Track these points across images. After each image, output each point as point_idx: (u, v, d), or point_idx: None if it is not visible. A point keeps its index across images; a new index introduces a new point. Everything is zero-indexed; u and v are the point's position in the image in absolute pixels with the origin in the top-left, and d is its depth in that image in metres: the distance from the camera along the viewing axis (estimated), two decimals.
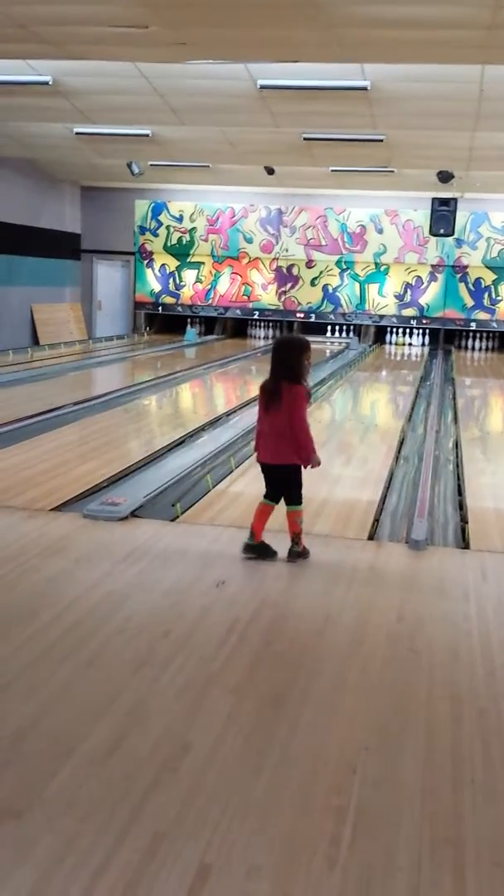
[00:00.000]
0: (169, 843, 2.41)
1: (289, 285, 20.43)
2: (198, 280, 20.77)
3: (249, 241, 20.41)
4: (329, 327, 20.50)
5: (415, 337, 20.20)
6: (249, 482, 6.80)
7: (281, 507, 4.96)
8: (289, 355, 4.86)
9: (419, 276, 19.71)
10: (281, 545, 4.95)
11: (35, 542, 5.11)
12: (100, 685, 3.36)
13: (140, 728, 3.04)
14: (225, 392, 13.77)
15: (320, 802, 2.64)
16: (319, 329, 20.51)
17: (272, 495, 4.96)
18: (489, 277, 19.37)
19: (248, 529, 4.99)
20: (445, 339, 19.85)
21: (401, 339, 20.27)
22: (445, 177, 14.87)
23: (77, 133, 13.66)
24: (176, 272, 20.83)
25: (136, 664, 3.54)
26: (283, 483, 4.91)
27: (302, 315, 20.50)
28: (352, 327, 20.39)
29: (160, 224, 20.70)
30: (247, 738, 3.00)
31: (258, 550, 4.92)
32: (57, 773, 2.72)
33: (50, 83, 10.15)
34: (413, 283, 19.77)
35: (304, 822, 2.54)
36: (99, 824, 2.48)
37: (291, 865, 2.34)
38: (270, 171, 15.93)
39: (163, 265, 20.84)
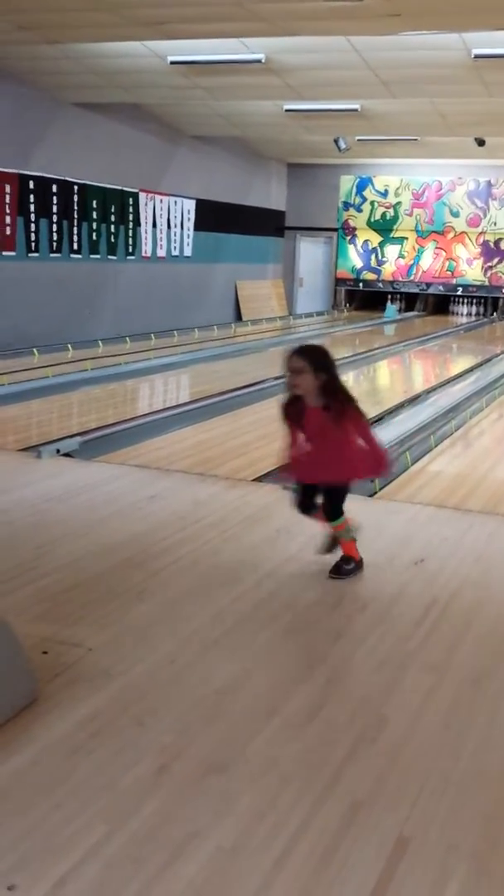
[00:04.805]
0: (367, 812, 2.43)
1: (496, 260, 19.80)
2: (400, 255, 20.49)
3: (456, 214, 19.91)
4: None
5: None
6: (449, 461, 6.69)
7: None
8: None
9: None
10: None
11: (237, 510, 5.26)
12: (299, 652, 3.42)
13: (338, 697, 3.07)
14: (424, 370, 13.56)
15: None
16: None
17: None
18: None
19: (438, 507, 4.92)
20: None
21: None
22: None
23: (287, 110, 13.77)
24: (378, 248, 20.64)
25: (333, 635, 3.58)
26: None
27: None
28: None
29: (364, 199, 20.56)
30: (445, 717, 2.97)
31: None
32: (259, 732, 2.81)
33: (263, 61, 10.28)
34: None
35: None
36: (298, 787, 2.53)
37: (493, 848, 2.30)
38: (481, 143, 15.44)
39: (365, 241, 20.71)
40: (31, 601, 3.79)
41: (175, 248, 16.18)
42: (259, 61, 10.33)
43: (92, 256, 14.00)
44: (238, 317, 18.52)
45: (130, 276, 14.94)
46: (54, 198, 13.06)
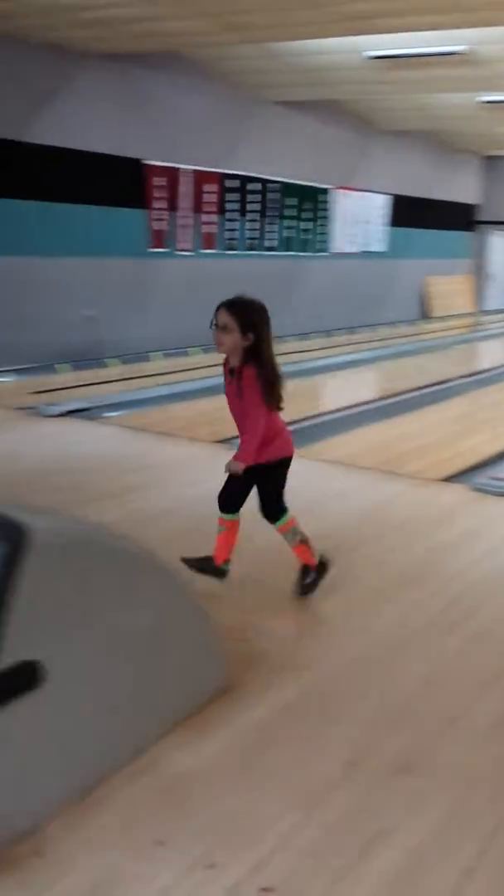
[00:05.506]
0: None
1: None
2: None
3: None
4: None
5: None
6: None
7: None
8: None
9: None
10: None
11: (423, 511, 5.23)
12: (487, 658, 3.37)
13: None
14: None
15: None
16: None
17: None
18: None
19: None
20: None
21: None
22: None
23: (482, 102, 13.45)
24: None
25: None
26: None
27: None
28: None
29: None
30: None
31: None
32: (447, 736, 2.80)
33: (463, 52, 10.09)
34: None
35: None
36: (487, 794, 2.51)
37: None
38: None
39: None
40: (229, 590, 3.89)
41: (366, 243, 16.13)
42: (459, 53, 10.14)
43: (286, 253, 14.18)
44: (424, 313, 18.26)
45: (321, 272, 15.03)
46: (252, 195, 13.31)
